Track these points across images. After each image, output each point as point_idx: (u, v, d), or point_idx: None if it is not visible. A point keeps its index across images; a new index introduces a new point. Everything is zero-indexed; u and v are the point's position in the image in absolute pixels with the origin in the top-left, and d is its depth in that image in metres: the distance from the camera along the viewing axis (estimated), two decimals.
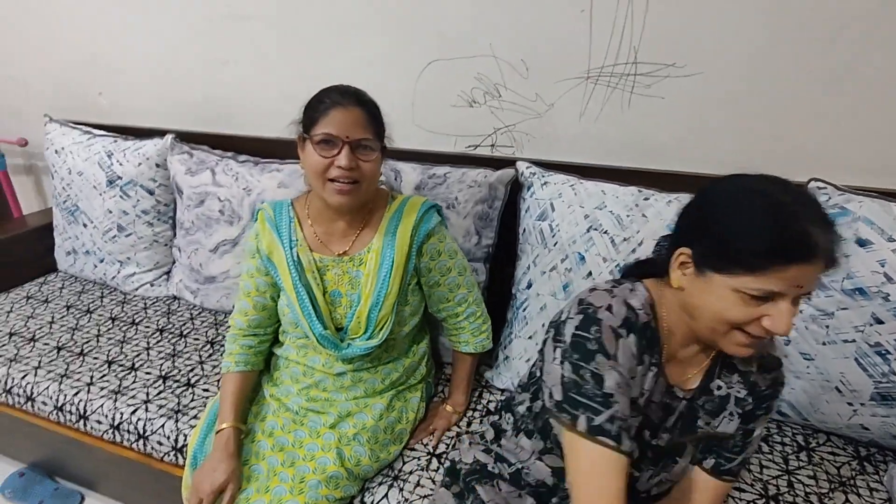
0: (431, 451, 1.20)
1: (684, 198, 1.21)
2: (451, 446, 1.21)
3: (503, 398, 1.13)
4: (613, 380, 0.73)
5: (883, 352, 1.08)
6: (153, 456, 1.31)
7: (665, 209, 1.23)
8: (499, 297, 1.44)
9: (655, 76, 1.33)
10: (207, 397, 1.35)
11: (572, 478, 0.74)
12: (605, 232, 1.25)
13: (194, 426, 1.25)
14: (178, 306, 1.76)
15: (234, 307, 1.22)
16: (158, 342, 1.57)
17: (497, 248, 1.44)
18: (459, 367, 1.30)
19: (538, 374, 0.87)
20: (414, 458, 1.18)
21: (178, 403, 1.33)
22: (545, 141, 1.47)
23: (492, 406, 1.34)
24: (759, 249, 0.65)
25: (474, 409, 1.33)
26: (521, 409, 0.93)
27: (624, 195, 1.27)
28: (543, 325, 1.31)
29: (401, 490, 1.10)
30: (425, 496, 1.08)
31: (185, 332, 1.62)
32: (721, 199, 0.71)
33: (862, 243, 1.08)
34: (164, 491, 1.29)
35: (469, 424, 1.28)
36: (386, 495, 1.10)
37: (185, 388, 1.38)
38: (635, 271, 0.87)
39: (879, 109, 1.18)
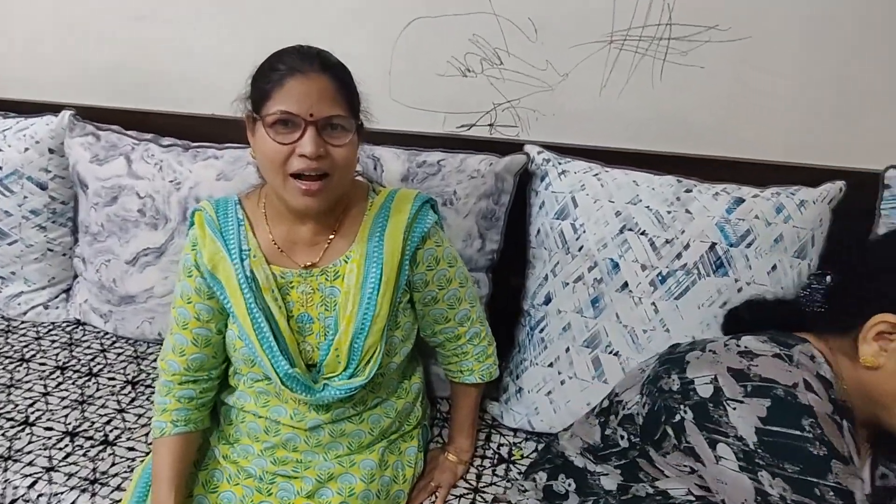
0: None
1: (734, 189, 1.12)
2: None
3: (545, 452, 0.98)
4: (861, 491, 0.58)
5: None
6: None
7: (712, 203, 1.13)
8: (504, 314, 1.30)
9: (693, 41, 1.22)
10: (134, 460, 1.15)
11: None
12: (643, 232, 1.13)
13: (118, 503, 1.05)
14: (84, 335, 1.53)
15: (164, 343, 1.02)
16: (59, 385, 1.34)
17: (502, 253, 1.31)
18: (462, 403, 1.17)
19: (628, 444, 0.72)
20: None
21: (94, 471, 1.12)
22: (557, 119, 1.35)
23: (504, 451, 1.21)
24: None
25: (482, 457, 1.19)
26: (608, 484, 0.79)
27: (661, 186, 1.16)
28: (568, 350, 1.18)
29: None
30: None
31: (95, 370, 1.40)
32: None
33: None
34: None
35: (479, 478, 1.14)
36: None
37: (101, 447, 1.17)
38: (765, 316, 0.74)
39: None
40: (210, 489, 0.98)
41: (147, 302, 1.45)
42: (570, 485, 0.84)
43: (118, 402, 1.30)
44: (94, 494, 1.08)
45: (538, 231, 1.24)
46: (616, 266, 1.14)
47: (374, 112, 0.98)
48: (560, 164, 1.24)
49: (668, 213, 1.13)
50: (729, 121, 1.25)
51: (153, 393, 1.15)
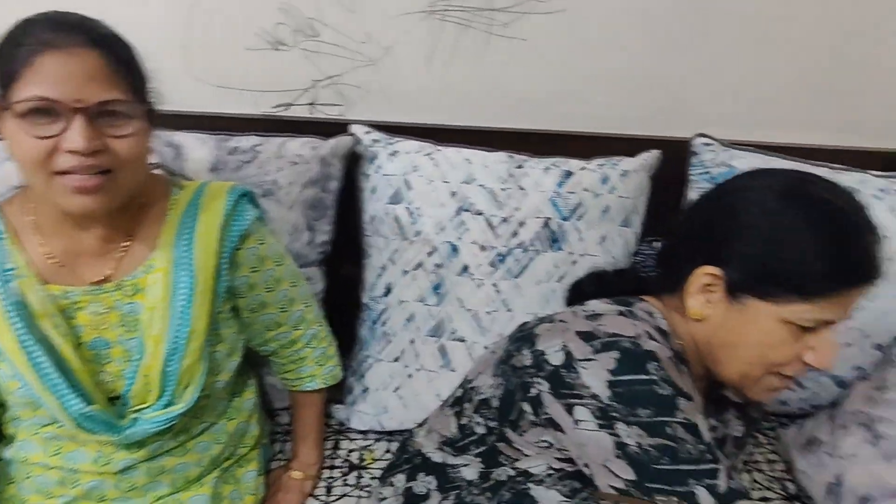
0: None
1: (563, 163, 1.19)
2: None
3: (401, 452, 0.97)
4: (705, 424, 0.63)
5: None
6: None
7: (543, 178, 1.19)
8: (342, 309, 1.27)
9: (513, 12, 1.26)
10: None
11: None
12: (480, 212, 1.16)
13: None
14: None
15: None
16: None
17: (334, 244, 1.26)
18: (305, 413, 1.12)
19: (485, 430, 0.74)
20: None
21: None
22: (383, 96, 1.32)
23: (354, 457, 1.18)
24: (822, 272, 0.62)
25: (331, 467, 1.16)
26: (469, 474, 0.79)
27: (494, 163, 1.20)
28: (413, 342, 1.18)
29: None
30: None
31: None
32: (765, 207, 0.65)
33: None
34: None
35: (329, 490, 1.11)
36: None
37: None
38: (608, 288, 0.78)
39: (758, 59, 1.28)
40: None
41: None
42: (430, 483, 0.84)
43: None
44: None
45: (372, 218, 1.22)
46: (455, 249, 1.15)
47: (169, 92, 0.88)
48: (390, 144, 1.22)
49: (503, 190, 1.17)
50: (554, 94, 1.32)
51: None
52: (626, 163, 1.22)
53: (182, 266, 0.88)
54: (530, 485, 0.71)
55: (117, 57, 0.76)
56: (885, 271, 0.64)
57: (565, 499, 0.70)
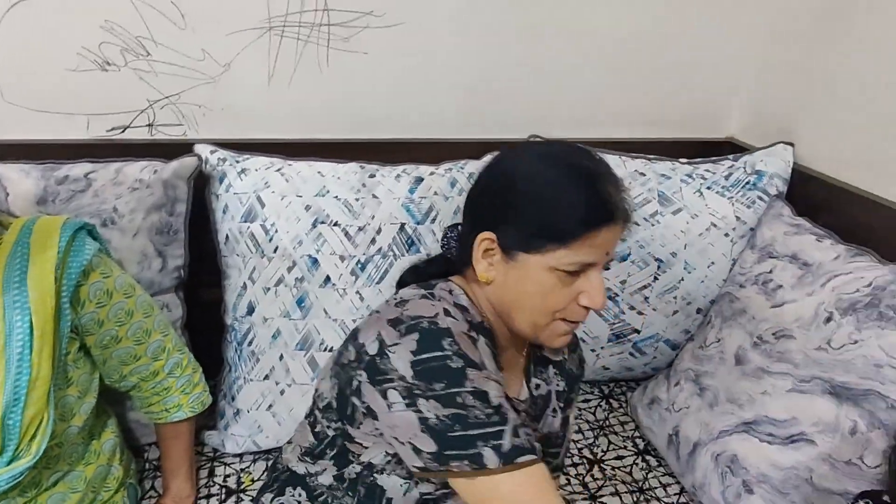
0: None
1: (413, 169, 1.20)
2: None
3: (272, 471, 0.93)
4: (495, 389, 0.65)
5: (611, 296, 1.28)
6: None
7: (396, 185, 1.19)
8: (206, 333, 1.19)
9: (352, 26, 1.25)
10: None
11: None
12: (336, 223, 1.14)
13: None
14: None
15: None
16: None
17: (190, 269, 1.19)
18: (174, 444, 1.05)
19: (333, 432, 0.72)
20: None
21: None
22: (227, 114, 1.26)
23: (231, 481, 1.12)
24: (570, 217, 0.66)
25: (208, 496, 1.09)
26: (325, 479, 0.77)
27: (346, 174, 1.18)
28: (282, 358, 1.14)
29: None
30: None
31: None
32: (521, 172, 0.69)
33: None
34: None
35: None
36: None
37: None
38: (423, 276, 0.79)
39: (577, 66, 1.37)
40: None
41: None
42: (300, 495, 0.82)
43: None
44: None
45: (227, 238, 1.15)
46: (315, 262, 1.13)
47: None
48: (238, 162, 1.16)
49: (357, 200, 1.16)
50: (397, 104, 1.32)
51: None
52: (472, 165, 1.26)
53: (15, 311, 0.78)
54: (375, 475, 0.72)
55: None
56: (626, 213, 0.69)
57: (404, 481, 0.71)
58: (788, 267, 1.13)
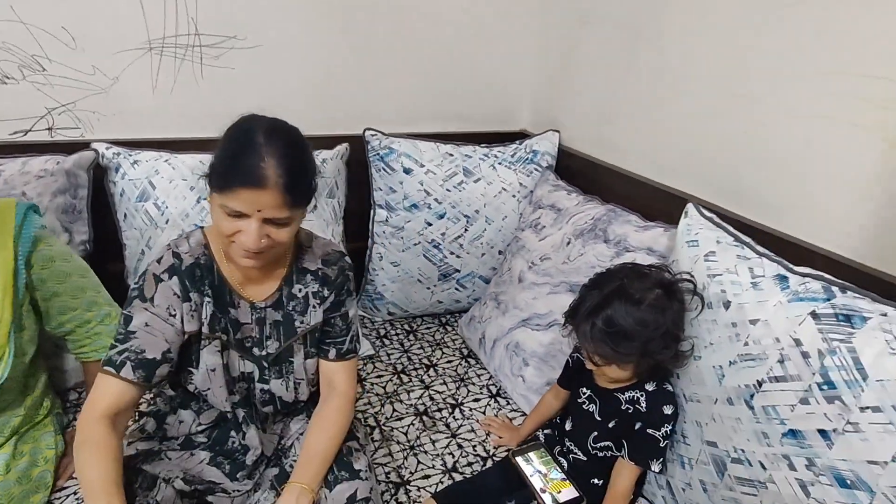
0: None
1: None
2: None
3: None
4: (139, 320, 0.89)
5: (437, 244, 1.62)
6: None
7: None
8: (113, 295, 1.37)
9: (221, 48, 1.49)
10: None
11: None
12: None
13: None
14: None
15: None
16: None
17: (95, 242, 1.36)
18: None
19: None
20: (69, 494, 1.09)
21: None
22: (119, 118, 1.44)
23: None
24: (222, 172, 0.83)
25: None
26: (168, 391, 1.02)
27: None
28: None
29: None
30: None
31: None
32: (225, 132, 0.88)
33: (407, 171, 1.57)
34: None
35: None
36: None
37: None
38: None
39: (400, 74, 1.69)
40: None
41: None
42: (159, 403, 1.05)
43: None
44: None
45: (125, 216, 1.35)
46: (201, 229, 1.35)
47: None
48: (131, 155, 1.36)
49: None
50: (260, 106, 1.56)
51: None
52: (325, 153, 1.53)
53: None
54: None
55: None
56: (278, 186, 0.80)
57: None
58: (549, 213, 1.53)
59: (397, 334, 1.68)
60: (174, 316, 0.92)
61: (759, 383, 0.87)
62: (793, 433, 0.82)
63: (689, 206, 1.16)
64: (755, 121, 1.17)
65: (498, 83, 1.85)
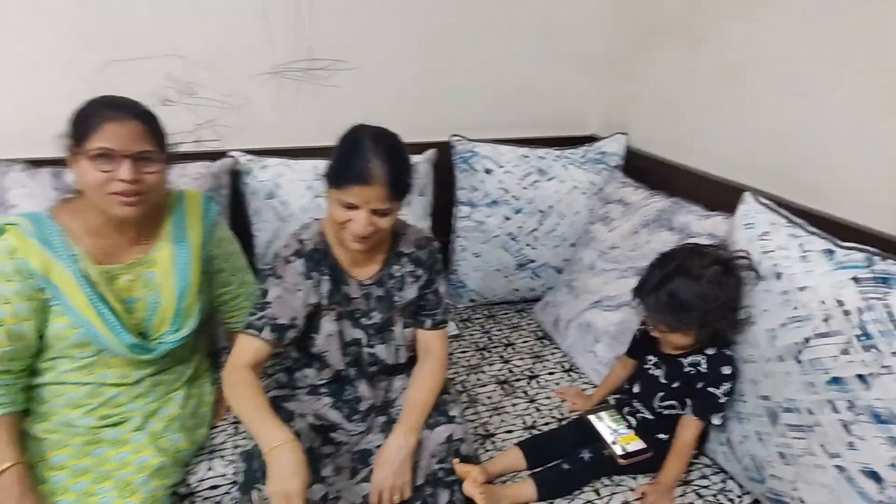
0: (234, 419, 1.38)
1: None
2: None
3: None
4: (274, 294, 1.14)
5: (514, 237, 1.81)
6: None
7: None
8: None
9: (330, 70, 1.76)
10: None
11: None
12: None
13: None
14: None
15: None
16: None
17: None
18: None
19: None
20: (221, 430, 1.35)
21: None
22: (249, 131, 1.73)
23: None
24: (337, 172, 1.06)
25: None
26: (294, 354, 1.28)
27: None
28: None
29: (221, 458, 1.27)
30: (243, 451, 1.27)
31: None
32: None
33: (487, 171, 1.77)
34: None
35: None
36: (210, 468, 1.25)
37: None
38: None
39: (491, 87, 1.91)
40: (38, 460, 1.11)
41: None
42: (286, 362, 1.29)
43: None
44: None
45: (256, 211, 1.63)
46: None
47: None
48: (260, 161, 1.64)
49: None
50: (363, 118, 1.82)
51: None
52: (416, 157, 1.76)
53: (180, 243, 1.23)
54: None
55: (149, 124, 1.11)
56: (384, 183, 1.00)
57: None
58: (617, 207, 1.69)
59: (478, 318, 1.88)
60: (300, 291, 1.15)
61: (806, 340, 1.00)
62: (835, 380, 0.95)
63: (746, 195, 1.29)
64: (808, 116, 1.29)
65: (569, 92, 2.04)
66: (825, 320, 0.98)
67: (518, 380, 1.57)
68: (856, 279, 0.96)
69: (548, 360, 1.66)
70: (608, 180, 1.82)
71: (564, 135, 2.06)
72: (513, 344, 1.74)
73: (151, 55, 1.58)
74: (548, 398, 1.49)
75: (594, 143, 1.90)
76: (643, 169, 1.82)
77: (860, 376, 0.91)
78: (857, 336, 0.93)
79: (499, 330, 1.82)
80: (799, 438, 1.01)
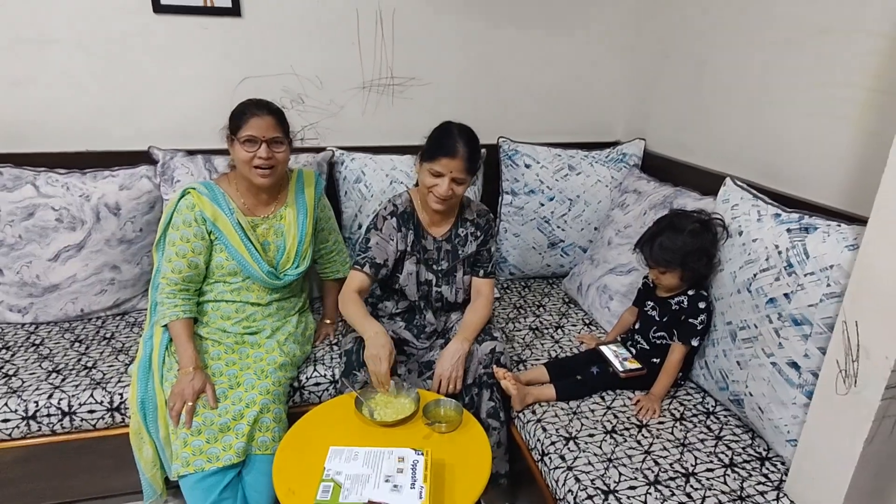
0: (331, 342, 1.84)
1: None
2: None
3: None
4: (374, 240, 1.58)
5: (547, 220, 2.22)
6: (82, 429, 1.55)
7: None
8: None
9: (406, 85, 2.24)
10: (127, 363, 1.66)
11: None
12: (401, 182, 2.10)
13: (127, 384, 1.58)
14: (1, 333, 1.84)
15: (159, 271, 1.60)
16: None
17: None
18: (330, 293, 1.93)
19: None
20: (321, 348, 1.81)
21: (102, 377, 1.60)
22: (341, 133, 2.22)
23: None
24: (432, 149, 1.52)
25: (338, 321, 2.00)
26: (378, 291, 1.73)
27: (402, 161, 2.14)
28: None
29: (323, 365, 1.72)
30: (343, 350, 1.70)
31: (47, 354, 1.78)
32: None
33: (527, 166, 2.20)
34: (98, 458, 1.57)
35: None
36: (315, 369, 1.71)
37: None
38: None
39: (532, 100, 2.35)
40: (202, 353, 1.59)
41: (71, 287, 1.87)
42: (369, 301, 1.75)
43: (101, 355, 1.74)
44: (104, 387, 1.57)
45: (345, 192, 2.11)
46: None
47: (222, 136, 1.69)
48: (349, 154, 2.13)
49: (408, 175, 2.11)
50: (431, 124, 2.29)
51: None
52: None
53: (300, 205, 1.71)
54: None
55: (279, 118, 1.60)
56: (455, 152, 1.45)
57: None
58: (632, 196, 2.08)
59: (516, 287, 2.29)
60: (392, 241, 1.61)
61: (755, 275, 1.38)
62: (771, 300, 1.32)
63: (727, 179, 1.67)
64: (777, 121, 1.67)
65: (599, 105, 2.45)
66: (766, 259, 1.35)
67: (546, 329, 1.97)
68: (788, 230, 1.33)
69: (572, 317, 2.05)
70: (627, 176, 2.21)
71: (593, 140, 2.47)
72: (543, 306, 2.14)
73: (273, 73, 2.09)
74: (569, 341, 1.89)
75: (617, 146, 2.30)
76: (657, 167, 2.20)
77: (785, 294, 1.28)
78: (784, 267, 1.30)
79: (533, 296, 2.22)
80: (748, 348, 1.38)
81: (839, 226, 1.24)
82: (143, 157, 1.99)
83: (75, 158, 1.99)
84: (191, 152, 2.00)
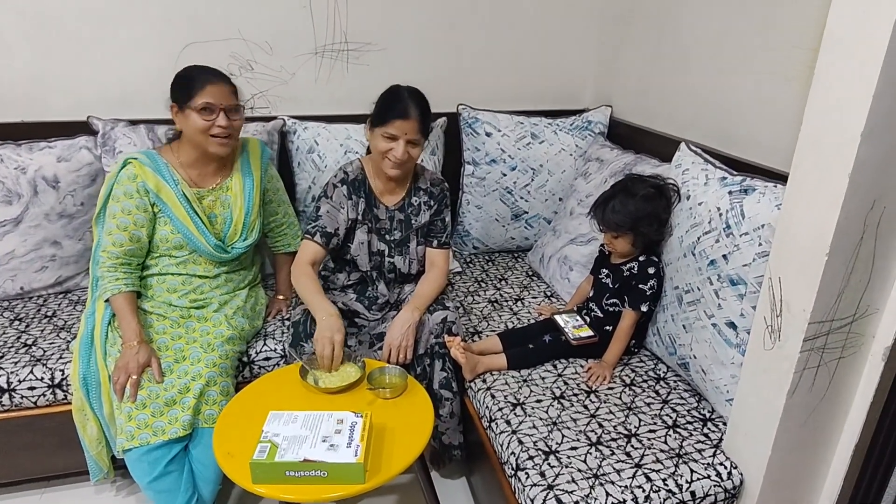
0: (283, 317, 1.93)
1: None
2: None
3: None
4: (324, 209, 1.68)
5: (510, 191, 2.33)
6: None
7: None
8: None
9: (361, 51, 2.31)
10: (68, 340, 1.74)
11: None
12: (356, 152, 2.18)
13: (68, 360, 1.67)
14: None
15: (99, 244, 1.68)
16: None
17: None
18: (283, 268, 2.03)
19: None
20: (272, 323, 1.90)
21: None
22: (293, 101, 2.30)
23: None
24: (382, 112, 1.62)
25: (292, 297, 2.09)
26: (331, 264, 1.83)
27: (357, 131, 2.22)
28: None
29: (272, 339, 1.82)
30: (291, 322, 1.79)
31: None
32: None
33: (488, 134, 2.30)
34: (41, 437, 1.66)
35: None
36: (265, 343, 1.81)
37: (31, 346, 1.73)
38: None
39: (494, 64, 2.44)
40: (147, 327, 1.68)
41: (9, 263, 1.95)
42: (321, 272, 1.85)
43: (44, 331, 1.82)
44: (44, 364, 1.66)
45: (298, 163, 2.19)
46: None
47: (166, 107, 1.77)
48: (301, 123, 2.21)
49: (362, 144, 2.20)
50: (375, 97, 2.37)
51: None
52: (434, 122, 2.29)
53: (246, 175, 1.80)
54: None
55: (234, 86, 1.68)
56: (405, 115, 1.56)
57: None
58: (595, 164, 2.18)
59: (479, 261, 2.40)
60: (343, 209, 1.70)
61: (699, 238, 1.50)
62: (712, 262, 1.44)
63: (682, 144, 1.78)
64: (731, 87, 1.78)
65: (564, 71, 2.55)
66: (709, 222, 1.47)
67: (507, 301, 2.08)
68: (730, 192, 1.45)
69: (533, 289, 2.16)
70: (592, 144, 2.32)
71: (560, 108, 2.56)
72: (506, 279, 2.25)
73: (222, 38, 2.16)
74: (528, 313, 2.00)
75: (583, 114, 2.40)
76: (622, 135, 2.32)
77: (724, 256, 1.40)
78: (723, 229, 1.41)
79: (496, 269, 2.33)
80: (692, 311, 1.50)
81: (776, 186, 1.36)
82: (82, 128, 2.06)
83: (10, 129, 2.05)
84: (133, 122, 2.06)
